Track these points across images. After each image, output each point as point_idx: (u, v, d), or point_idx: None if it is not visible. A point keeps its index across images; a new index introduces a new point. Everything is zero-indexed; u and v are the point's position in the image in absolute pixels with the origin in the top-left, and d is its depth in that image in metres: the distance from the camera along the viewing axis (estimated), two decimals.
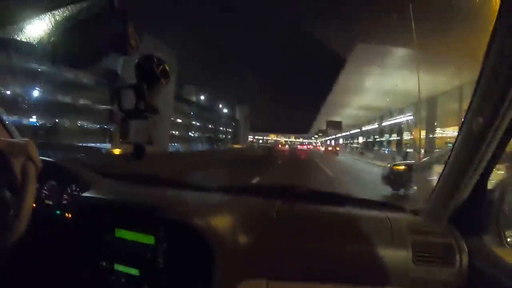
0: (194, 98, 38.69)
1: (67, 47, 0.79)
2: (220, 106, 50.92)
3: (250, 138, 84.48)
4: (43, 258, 1.24)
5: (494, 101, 0.92)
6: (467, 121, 1.03)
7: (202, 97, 42.47)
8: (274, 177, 11.16)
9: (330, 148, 42.52)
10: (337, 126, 42.42)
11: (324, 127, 54.69)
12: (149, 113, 0.88)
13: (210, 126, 43.96)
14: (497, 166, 1.07)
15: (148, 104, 0.86)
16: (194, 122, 38.27)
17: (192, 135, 37.52)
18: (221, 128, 49.31)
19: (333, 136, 63.71)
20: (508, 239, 1.01)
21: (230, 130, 53.65)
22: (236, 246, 1.11)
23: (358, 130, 45.69)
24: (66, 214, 1.29)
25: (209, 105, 44.62)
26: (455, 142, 1.12)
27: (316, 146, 69.73)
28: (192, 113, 37.95)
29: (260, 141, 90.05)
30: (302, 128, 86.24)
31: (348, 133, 52.78)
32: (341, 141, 61.81)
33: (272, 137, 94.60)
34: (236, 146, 41.46)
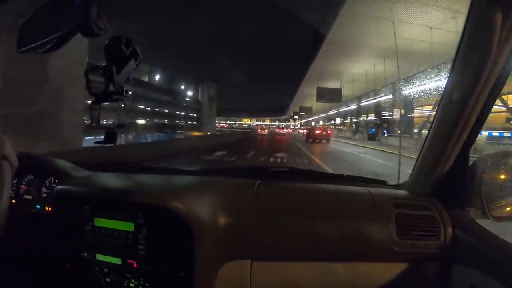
0: (146, 78, 35.07)
1: (32, 30, 0.79)
2: (179, 86, 45.67)
3: (223, 123, 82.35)
4: (24, 254, 1.24)
5: (473, 72, 0.98)
6: (447, 93, 1.09)
7: (156, 77, 38.31)
8: None
9: (318, 132, 31.47)
10: (335, 95, 30.29)
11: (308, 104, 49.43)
12: (118, 96, 0.89)
13: (165, 111, 39.64)
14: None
15: (117, 86, 0.86)
16: (142, 107, 33.67)
17: (143, 123, 33.09)
18: (179, 113, 44.24)
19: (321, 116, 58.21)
20: (491, 211, 1.08)
21: (192, 114, 48.40)
22: (217, 228, 1.14)
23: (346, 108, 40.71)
24: (46, 208, 1.31)
25: (165, 86, 40.09)
26: (435, 114, 1.17)
27: (296, 129, 60.14)
28: (141, 96, 32.68)
29: (233, 127, 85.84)
30: (278, 109, 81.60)
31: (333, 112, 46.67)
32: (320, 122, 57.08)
33: (246, 122, 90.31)
34: (195, 134, 36.83)
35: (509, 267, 0.93)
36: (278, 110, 80.00)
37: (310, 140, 29.66)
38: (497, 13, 0.90)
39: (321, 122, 57.62)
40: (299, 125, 75.40)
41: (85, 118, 9.91)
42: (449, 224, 1.17)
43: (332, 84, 30.71)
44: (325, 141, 29.33)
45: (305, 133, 35.96)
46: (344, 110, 42.62)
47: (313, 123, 57.05)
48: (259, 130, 58.58)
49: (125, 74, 0.88)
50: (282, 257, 1.21)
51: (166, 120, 38.86)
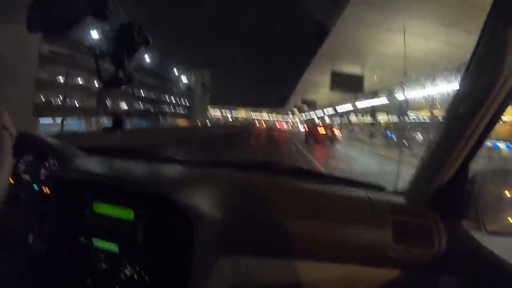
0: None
1: (44, 13, 0.82)
2: (169, 70, 42.82)
3: (217, 114, 79.28)
4: (19, 235, 1.26)
5: (483, 86, 1.01)
6: (455, 104, 1.13)
7: (146, 59, 35.34)
8: None
9: (321, 132, 24.53)
10: (353, 84, 22.24)
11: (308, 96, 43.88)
12: (127, 82, 0.93)
13: (152, 96, 37.39)
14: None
15: (127, 73, 0.91)
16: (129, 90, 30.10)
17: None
18: (165, 99, 41.46)
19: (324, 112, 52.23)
20: (486, 225, 1.13)
21: (181, 101, 45.61)
22: (217, 221, 1.19)
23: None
24: (44, 189, 1.30)
25: (153, 69, 37.21)
26: (442, 123, 1.21)
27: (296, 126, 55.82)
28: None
29: (229, 117, 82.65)
30: (277, 102, 77.47)
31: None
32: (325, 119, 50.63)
33: (241, 113, 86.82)
34: (181, 122, 36.01)
35: (497, 279, 0.99)
36: (277, 103, 76.96)
37: (311, 140, 23.97)
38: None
39: (327, 120, 52.16)
40: (298, 121, 70.17)
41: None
42: (444, 235, 1.21)
43: (349, 70, 23.15)
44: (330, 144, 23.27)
45: (306, 131, 29.60)
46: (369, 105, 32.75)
47: (316, 120, 51.89)
48: (257, 124, 58.80)
49: (135, 62, 0.91)
50: (279, 254, 1.25)
51: (147, 106, 36.61)
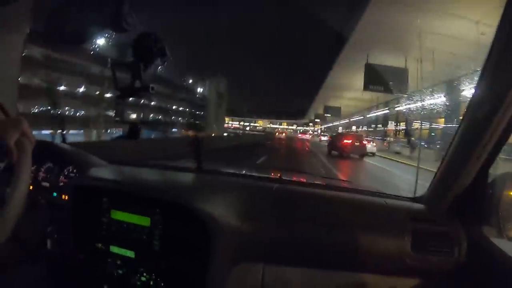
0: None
1: (62, 23, 0.85)
2: (182, 78, 40.07)
3: (236, 124, 78.32)
4: (38, 241, 1.30)
5: (500, 91, 1.03)
6: (471, 109, 1.15)
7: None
8: None
9: (347, 141, 20.41)
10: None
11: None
12: (144, 92, 0.95)
13: (167, 106, 36.66)
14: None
15: (143, 82, 0.93)
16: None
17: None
18: (174, 108, 40.09)
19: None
20: (507, 231, 1.13)
21: (194, 112, 43.85)
22: (232, 229, 1.21)
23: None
24: (63, 197, 1.39)
25: (165, 76, 32.84)
26: (458, 129, 1.23)
27: (318, 135, 53.53)
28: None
29: (247, 129, 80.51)
30: (297, 112, 77.20)
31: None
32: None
33: (260, 124, 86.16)
34: (191, 134, 31.28)
35: None
36: (297, 112, 76.21)
37: (335, 152, 20.56)
38: None
39: (353, 128, 48.40)
40: (319, 131, 67.43)
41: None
42: (465, 242, 1.20)
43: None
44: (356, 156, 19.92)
45: (329, 140, 26.55)
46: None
47: (340, 128, 48.66)
48: (277, 134, 58.94)
49: (152, 71, 0.93)
50: (295, 263, 1.27)
51: (159, 116, 36.12)
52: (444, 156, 1.31)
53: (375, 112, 36.00)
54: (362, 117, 42.50)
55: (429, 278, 1.25)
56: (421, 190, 1.50)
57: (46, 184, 1.46)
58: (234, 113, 67.99)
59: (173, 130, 36.90)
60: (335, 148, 21.13)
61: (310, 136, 54.38)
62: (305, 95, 48.72)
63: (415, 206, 1.40)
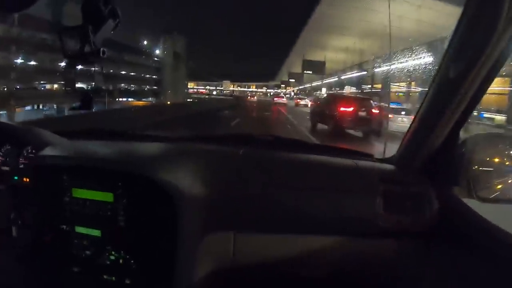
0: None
1: None
2: (128, 35, 31.15)
3: (202, 89, 74.28)
4: (2, 229, 1.28)
5: (473, 49, 1.05)
6: (443, 68, 1.17)
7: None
8: None
9: (348, 109, 12.11)
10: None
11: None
12: (94, 57, 0.91)
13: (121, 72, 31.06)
14: None
15: (94, 47, 0.89)
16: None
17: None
18: (127, 74, 34.31)
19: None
20: (477, 192, 1.18)
21: (145, 76, 38.21)
22: (200, 198, 1.22)
23: None
24: (24, 179, 1.33)
25: (116, 39, 26.91)
26: (429, 89, 1.25)
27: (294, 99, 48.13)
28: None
29: (214, 93, 75.50)
30: (266, 74, 72.22)
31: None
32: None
33: (228, 87, 79.36)
34: (138, 103, 28.46)
35: (490, 246, 1.05)
36: (267, 74, 69.67)
37: (323, 127, 14.18)
38: None
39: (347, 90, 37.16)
40: (292, 93, 61.94)
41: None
42: (436, 202, 1.27)
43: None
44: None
45: (311, 105, 19.62)
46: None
47: (323, 90, 42.51)
48: (249, 97, 57.07)
49: (102, 35, 0.89)
50: (266, 229, 1.30)
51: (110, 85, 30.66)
52: (414, 117, 1.34)
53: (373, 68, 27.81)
54: (361, 73, 32.89)
55: (402, 238, 1.31)
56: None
57: (5, 168, 1.38)
58: (198, 77, 63.90)
59: (129, 99, 33.22)
60: (324, 120, 14.20)
61: (286, 100, 49.09)
62: (277, 52, 44.00)
63: (386, 167, 1.44)
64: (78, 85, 0.93)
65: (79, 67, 0.94)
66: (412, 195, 1.28)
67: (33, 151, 1.36)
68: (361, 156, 1.55)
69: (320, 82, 46.32)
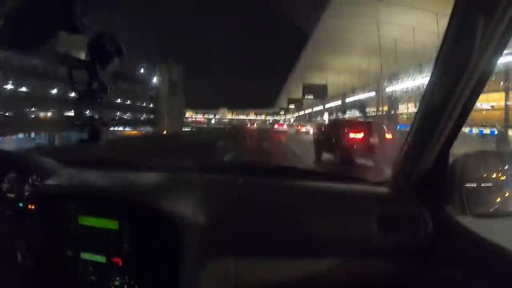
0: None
1: (12, 27, 0.84)
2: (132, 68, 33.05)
3: (200, 117, 72.94)
4: (7, 254, 1.30)
5: (455, 73, 1.10)
6: (428, 92, 1.22)
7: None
8: None
9: (355, 135, 10.74)
10: None
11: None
12: (102, 94, 0.97)
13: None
14: None
15: (101, 84, 0.95)
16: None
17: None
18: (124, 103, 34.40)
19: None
20: (471, 208, 1.21)
21: (140, 104, 37.90)
22: (201, 226, 1.26)
23: None
24: (29, 206, 1.36)
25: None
26: (417, 112, 1.31)
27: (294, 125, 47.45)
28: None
29: (213, 121, 75.00)
30: (265, 101, 70.93)
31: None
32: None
33: (226, 114, 77.32)
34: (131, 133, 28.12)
35: (485, 261, 1.07)
36: (265, 101, 69.66)
37: (329, 157, 12.35)
38: (480, 15, 1.01)
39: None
40: (292, 120, 61.26)
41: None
42: (429, 220, 1.30)
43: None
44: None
45: (315, 133, 16.63)
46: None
47: (325, 115, 40.84)
48: (248, 125, 56.72)
49: (110, 72, 0.95)
50: (265, 254, 1.33)
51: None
52: (405, 140, 1.39)
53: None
54: (368, 94, 31.11)
55: (398, 258, 1.34)
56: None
57: (11, 195, 1.41)
58: (196, 106, 63.99)
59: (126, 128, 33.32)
60: (330, 149, 12.32)
61: (287, 127, 46.78)
62: (275, 78, 43.14)
63: (380, 189, 1.48)
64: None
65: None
66: (407, 215, 1.32)
67: (39, 179, 1.40)
68: (357, 181, 1.60)
69: (322, 107, 45.35)
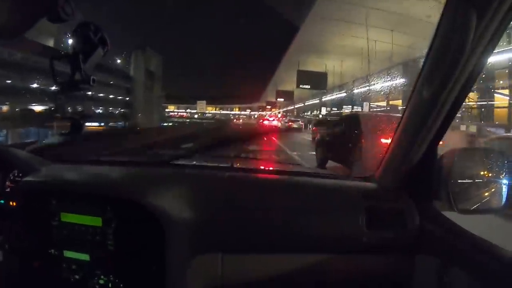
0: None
1: None
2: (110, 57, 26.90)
3: (183, 112, 68.21)
4: None
5: (445, 70, 1.10)
6: (418, 88, 1.21)
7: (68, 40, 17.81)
8: None
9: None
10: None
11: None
12: (85, 85, 0.93)
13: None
14: None
15: (84, 74, 0.91)
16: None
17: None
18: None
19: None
20: (457, 204, 1.22)
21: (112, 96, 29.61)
22: (186, 221, 1.23)
23: None
24: (11, 203, 1.33)
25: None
26: (406, 108, 1.31)
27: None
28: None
29: (196, 116, 66.59)
30: (250, 95, 68.67)
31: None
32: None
33: (210, 110, 74.51)
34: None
35: (472, 256, 1.07)
36: (250, 94, 67.31)
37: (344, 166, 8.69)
38: (471, 13, 1.00)
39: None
40: (279, 115, 58.68)
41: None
42: (417, 216, 1.30)
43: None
44: None
45: (315, 133, 14.53)
46: None
47: (323, 110, 37.26)
48: (235, 120, 55.66)
49: (93, 63, 0.91)
50: (252, 250, 1.32)
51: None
52: (393, 135, 1.39)
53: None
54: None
55: (386, 254, 1.34)
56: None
57: None
58: (177, 100, 60.93)
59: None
60: (340, 157, 8.87)
61: (278, 122, 42.01)
62: (262, 71, 40.23)
63: (367, 185, 1.49)
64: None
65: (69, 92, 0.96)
66: (394, 211, 1.31)
67: (20, 174, 1.37)
68: (344, 176, 1.62)
69: (318, 100, 40.38)
